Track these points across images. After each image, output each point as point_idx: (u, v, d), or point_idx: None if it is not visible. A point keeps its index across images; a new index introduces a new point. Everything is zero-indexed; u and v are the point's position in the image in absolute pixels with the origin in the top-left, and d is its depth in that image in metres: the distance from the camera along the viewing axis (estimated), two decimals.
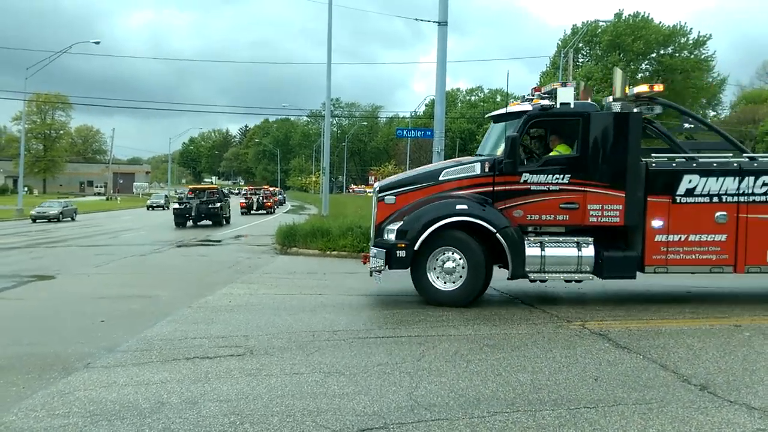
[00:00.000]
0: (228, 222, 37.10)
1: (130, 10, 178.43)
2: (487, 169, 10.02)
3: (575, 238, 9.92)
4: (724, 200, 9.87)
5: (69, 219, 43.82)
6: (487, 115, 11.25)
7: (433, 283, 9.86)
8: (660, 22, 64.95)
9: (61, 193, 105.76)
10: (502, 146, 10.04)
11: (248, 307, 10.12)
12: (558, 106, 9.93)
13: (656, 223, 9.86)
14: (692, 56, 64.26)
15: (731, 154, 10.74)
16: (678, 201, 9.86)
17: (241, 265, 16.25)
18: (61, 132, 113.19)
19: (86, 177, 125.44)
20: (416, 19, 27.16)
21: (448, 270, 9.81)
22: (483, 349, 7.36)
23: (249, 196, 52.54)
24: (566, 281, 10.39)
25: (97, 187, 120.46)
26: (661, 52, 65.00)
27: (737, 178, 9.86)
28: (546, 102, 10.13)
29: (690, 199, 9.89)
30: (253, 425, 5.03)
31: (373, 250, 10.07)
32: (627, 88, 10.33)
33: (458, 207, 9.77)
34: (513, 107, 10.58)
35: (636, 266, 10.02)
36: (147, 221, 41.75)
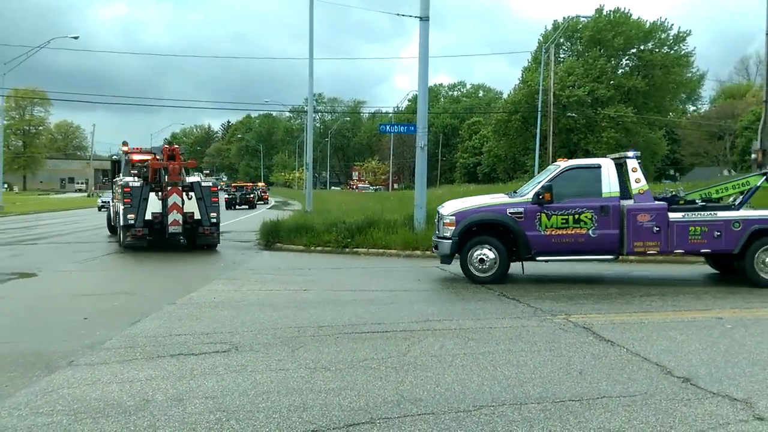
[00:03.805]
0: (254, 207, 51.12)
1: (102, 2, 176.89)
2: None
3: None
4: None
5: None
6: None
7: None
8: (639, 18, 65.42)
9: (41, 190, 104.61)
10: None
11: (233, 303, 10.08)
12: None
13: None
14: (672, 52, 64.66)
15: None
16: None
17: (225, 261, 16.23)
18: (41, 128, 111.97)
19: (67, 173, 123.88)
20: (398, 15, 27.07)
21: None
22: (468, 344, 7.39)
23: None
24: None
25: (78, 183, 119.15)
26: (642, 47, 65.37)
27: None
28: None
29: None
30: (239, 422, 5.02)
31: None
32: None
33: None
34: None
35: None
36: None
